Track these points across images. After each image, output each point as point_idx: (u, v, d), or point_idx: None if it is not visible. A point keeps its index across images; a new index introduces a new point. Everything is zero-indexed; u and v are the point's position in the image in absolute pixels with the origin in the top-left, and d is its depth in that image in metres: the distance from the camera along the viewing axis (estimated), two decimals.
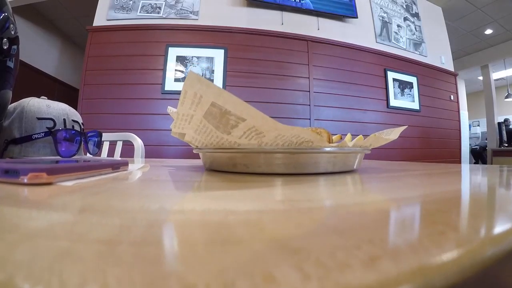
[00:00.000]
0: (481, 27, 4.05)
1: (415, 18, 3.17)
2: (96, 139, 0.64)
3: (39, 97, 0.61)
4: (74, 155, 0.57)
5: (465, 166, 0.51)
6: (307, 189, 0.20)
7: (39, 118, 0.55)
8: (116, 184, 0.22)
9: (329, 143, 0.38)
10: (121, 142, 1.06)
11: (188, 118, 0.27)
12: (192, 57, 2.23)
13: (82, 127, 0.64)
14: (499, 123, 4.96)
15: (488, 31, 4.17)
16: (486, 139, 6.03)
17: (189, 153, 2.11)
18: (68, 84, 4.16)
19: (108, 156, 1.06)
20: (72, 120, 0.60)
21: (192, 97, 0.23)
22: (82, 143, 0.59)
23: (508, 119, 5.32)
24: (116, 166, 0.32)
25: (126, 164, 0.36)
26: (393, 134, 0.34)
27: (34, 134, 0.54)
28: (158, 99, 2.17)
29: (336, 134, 0.45)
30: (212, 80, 2.21)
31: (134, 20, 2.33)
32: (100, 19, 2.34)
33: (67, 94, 3.99)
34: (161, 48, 2.24)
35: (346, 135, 0.44)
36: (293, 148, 0.28)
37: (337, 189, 0.21)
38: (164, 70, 2.19)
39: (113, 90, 2.18)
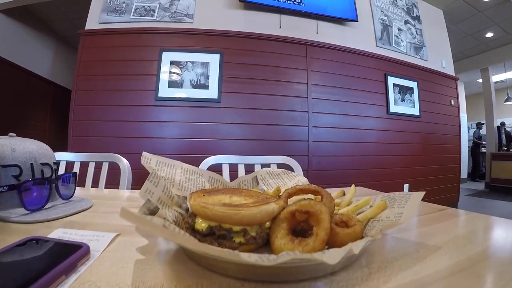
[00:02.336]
0: (482, 30, 4.00)
1: (416, 21, 3.11)
2: (68, 183, 0.60)
3: (7, 134, 0.56)
4: (43, 206, 0.52)
5: None
6: None
7: (3, 166, 0.49)
8: None
9: (330, 205, 0.33)
10: (107, 164, 0.99)
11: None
12: (187, 62, 2.16)
13: (54, 168, 0.58)
14: (498, 127, 4.92)
15: (489, 34, 4.12)
16: (479, 137, 6.01)
17: (184, 161, 2.04)
18: (63, 86, 4.08)
19: (93, 180, 1.00)
20: (41, 163, 0.55)
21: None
22: (53, 188, 0.54)
23: (504, 122, 5.28)
24: (71, 266, 0.26)
25: (85, 252, 0.30)
26: (408, 207, 0.28)
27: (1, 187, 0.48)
28: (151, 106, 2.10)
29: (337, 190, 0.39)
30: (207, 86, 2.15)
31: (127, 24, 2.25)
32: (92, 22, 2.27)
33: (62, 97, 3.91)
34: (154, 52, 2.17)
35: (350, 187, 0.38)
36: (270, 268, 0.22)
37: None
38: (158, 75, 2.12)
39: (106, 96, 2.11)
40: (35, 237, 0.35)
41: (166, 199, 0.34)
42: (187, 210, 0.38)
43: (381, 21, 2.85)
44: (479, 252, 0.30)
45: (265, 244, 0.30)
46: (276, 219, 0.30)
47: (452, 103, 3.19)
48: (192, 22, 2.28)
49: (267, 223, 0.30)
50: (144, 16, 2.29)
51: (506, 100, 5.19)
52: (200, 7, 2.32)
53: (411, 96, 2.82)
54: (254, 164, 1.03)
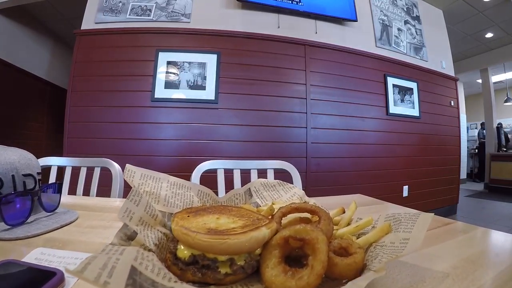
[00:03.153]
0: (482, 30, 3.98)
1: (416, 21, 3.08)
2: (52, 195, 0.56)
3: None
4: (24, 221, 0.49)
5: None
6: None
7: None
8: None
9: (327, 227, 0.29)
10: (98, 169, 0.96)
11: None
12: (184, 62, 2.13)
13: (37, 178, 0.55)
14: (497, 127, 4.91)
15: (489, 35, 4.09)
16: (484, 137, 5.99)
17: (180, 164, 2.02)
18: (60, 86, 4.04)
19: (85, 184, 0.97)
20: (23, 175, 0.52)
21: None
22: (36, 201, 0.51)
23: (501, 123, 5.24)
24: None
25: (59, 280, 0.28)
26: (415, 233, 0.25)
27: None
28: (148, 107, 2.07)
29: (335, 209, 0.36)
30: (204, 87, 2.12)
31: (123, 23, 2.22)
32: (88, 22, 2.23)
33: (59, 97, 3.87)
34: (151, 53, 2.13)
35: (349, 205, 0.35)
36: None
37: None
38: (154, 76, 2.09)
39: (102, 97, 2.08)
40: (9, 260, 0.33)
41: (149, 219, 0.31)
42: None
43: (381, 21, 2.82)
44: (491, 279, 0.28)
45: (255, 271, 0.27)
46: (268, 245, 0.27)
47: (452, 104, 3.17)
48: (189, 22, 2.25)
49: (258, 249, 0.27)
50: (141, 15, 2.25)
51: (506, 101, 5.18)
52: (197, 6, 2.29)
53: (410, 97, 2.79)
54: (250, 169, 1.00)
